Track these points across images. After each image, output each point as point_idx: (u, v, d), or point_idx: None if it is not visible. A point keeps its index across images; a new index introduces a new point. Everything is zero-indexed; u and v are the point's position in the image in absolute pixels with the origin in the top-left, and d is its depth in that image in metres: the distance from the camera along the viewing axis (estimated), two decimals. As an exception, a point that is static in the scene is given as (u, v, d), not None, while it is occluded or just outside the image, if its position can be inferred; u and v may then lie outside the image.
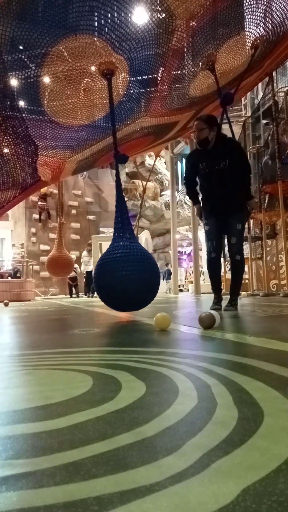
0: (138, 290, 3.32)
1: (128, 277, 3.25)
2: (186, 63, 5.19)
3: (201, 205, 3.83)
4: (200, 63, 5.00)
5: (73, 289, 14.88)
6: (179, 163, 20.24)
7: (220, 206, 3.60)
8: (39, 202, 16.06)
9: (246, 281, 9.72)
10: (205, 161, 3.57)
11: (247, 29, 4.76)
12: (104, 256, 3.52)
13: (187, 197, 19.27)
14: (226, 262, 10.39)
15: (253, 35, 4.78)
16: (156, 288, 3.59)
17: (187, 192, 4.09)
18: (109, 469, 0.57)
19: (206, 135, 3.49)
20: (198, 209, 3.89)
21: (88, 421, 0.79)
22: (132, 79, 4.92)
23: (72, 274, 14.35)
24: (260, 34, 4.75)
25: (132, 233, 3.76)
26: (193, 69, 5.20)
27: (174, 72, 5.21)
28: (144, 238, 15.91)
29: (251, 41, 4.83)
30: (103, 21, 4.11)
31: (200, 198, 3.88)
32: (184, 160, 20.52)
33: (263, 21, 4.68)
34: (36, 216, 17.27)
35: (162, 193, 20.62)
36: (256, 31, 4.73)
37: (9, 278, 12.80)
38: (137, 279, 3.27)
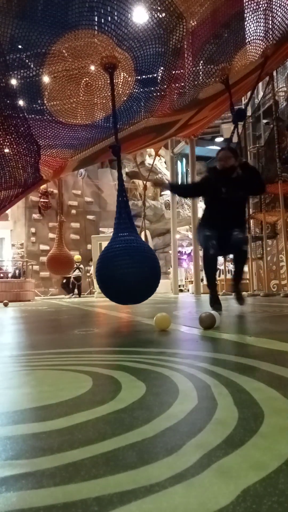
0: (138, 281, 3.35)
1: (128, 269, 3.30)
2: (197, 70, 5.21)
3: (202, 219, 3.95)
4: (214, 75, 5.01)
5: (75, 289, 14.89)
6: (179, 162, 20.24)
7: (225, 228, 3.68)
8: (41, 200, 16.03)
9: (247, 281, 9.71)
10: (228, 187, 3.72)
11: (252, 36, 4.77)
12: (104, 251, 3.61)
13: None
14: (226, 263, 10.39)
15: (263, 43, 4.78)
16: (156, 282, 3.61)
17: (181, 191, 4.16)
18: (109, 470, 0.57)
19: (232, 163, 3.73)
20: (165, 185, 3.97)
21: (88, 422, 0.79)
22: (138, 77, 4.92)
23: (77, 273, 14.39)
24: (269, 40, 4.75)
25: (132, 226, 3.82)
26: (205, 80, 5.21)
27: (181, 76, 5.23)
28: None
29: (261, 50, 4.83)
30: (106, 17, 4.11)
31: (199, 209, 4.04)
32: (184, 160, 20.54)
33: (264, 22, 4.69)
34: (35, 216, 17.25)
35: (162, 193, 20.62)
36: (264, 37, 4.73)
37: (9, 278, 12.78)
38: (137, 271, 3.31)
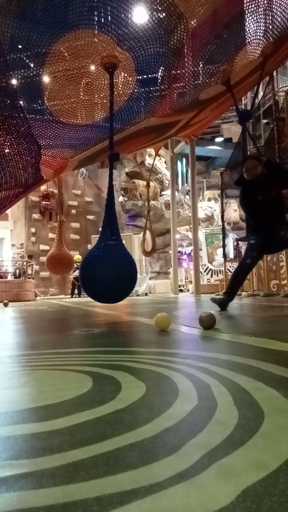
0: (114, 284, 3.71)
1: (104, 272, 3.67)
2: (197, 71, 5.20)
3: (248, 226, 4.03)
4: (215, 76, 5.01)
5: (76, 289, 14.86)
6: (179, 162, 20.24)
7: (269, 229, 3.71)
8: (43, 202, 15.98)
9: (246, 281, 9.71)
10: (261, 192, 3.72)
11: (252, 36, 4.77)
12: (86, 255, 4.07)
13: (187, 197, 19.26)
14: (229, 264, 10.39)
15: (262, 42, 4.78)
16: (132, 284, 3.96)
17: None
18: (109, 470, 0.57)
19: (260, 171, 3.70)
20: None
21: (88, 422, 0.79)
22: (138, 77, 4.92)
23: (77, 273, 14.36)
24: (268, 39, 4.76)
25: (116, 233, 4.04)
26: (206, 81, 5.21)
27: (182, 76, 5.23)
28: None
29: (261, 49, 4.83)
30: (107, 17, 4.11)
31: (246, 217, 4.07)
32: (184, 160, 20.54)
33: (264, 22, 4.69)
34: (35, 216, 17.24)
35: (162, 193, 20.61)
36: (263, 36, 4.73)
37: (10, 278, 12.77)
38: (113, 274, 3.67)
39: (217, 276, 14.66)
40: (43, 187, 14.17)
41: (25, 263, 13.51)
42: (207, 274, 14.33)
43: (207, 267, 14.37)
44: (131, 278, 3.87)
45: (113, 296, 4.03)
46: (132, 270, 3.87)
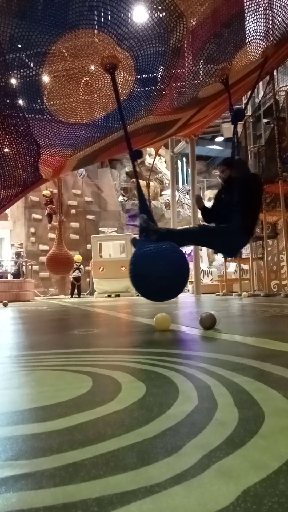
0: (170, 279, 3.37)
1: (159, 267, 3.29)
2: (197, 70, 5.20)
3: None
4: (214, 75, 5.01)
5: (75, 290, 14.86)
6: (179, 162, 20.24)
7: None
8: (49, 205, 15.93)
9: (247, 281, 9.72)
10: (225, 193, 4.02)
11: (252, 36, 4.77)
12: (136, 252, 3.63)
13: (187, 196, 19.26)
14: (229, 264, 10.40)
15: (263, 43, 4.77)
16: (186, 274, 3.64)
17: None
18: (109, 470, 0.57)
19: (227, 175, 4.00)
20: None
21: (88, 422, 0.79)
22: (138, 77, 4.92)
23: (76, 273, 14.36)
24: (269, 40, 4.75)
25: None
26: (205, 80, 5.20)
27: (181, 75, 5.23)
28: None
29: (262, 49, 4.82)
30: (107, 16, 4.11)
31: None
32: (184, 159, 20.56)
33: (264, 22, 4.68)
34: (35, 216, 17.22)
35: (162, 193, 20.62)
36: (264, 37, 4.73)
37: (10, 278, 12.76)
38: (168, 270, 3.32)
39: (208, 276, 14.67)
40: (46, 192, 14.11)
41: (24, 263, 13.50)
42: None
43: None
44: (183, 269, 3.53)
45: (170, 291, 3.62)
46: (183, 261, 3.55)
